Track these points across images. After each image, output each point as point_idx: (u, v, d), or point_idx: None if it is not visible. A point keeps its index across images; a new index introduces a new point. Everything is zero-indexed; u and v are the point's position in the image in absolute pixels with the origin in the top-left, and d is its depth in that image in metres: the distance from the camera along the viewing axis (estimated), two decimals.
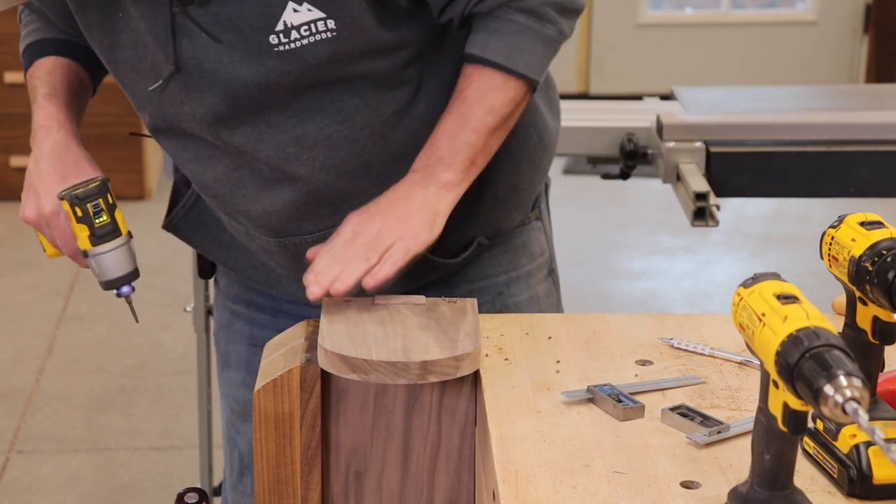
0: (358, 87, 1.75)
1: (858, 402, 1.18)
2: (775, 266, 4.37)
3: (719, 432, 1.50)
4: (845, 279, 1.47)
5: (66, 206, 1.80)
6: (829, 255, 1.49)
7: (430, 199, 1.72)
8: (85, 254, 1.82)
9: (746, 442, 1.36)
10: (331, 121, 1.76)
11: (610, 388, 1.58)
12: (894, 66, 6.00)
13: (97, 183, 1.81)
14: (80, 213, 1.80)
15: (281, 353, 1.68)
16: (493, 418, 1.54)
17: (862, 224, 1.46)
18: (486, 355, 1.67)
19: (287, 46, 1.69)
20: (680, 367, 1.68)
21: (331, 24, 1.68)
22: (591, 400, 1.58)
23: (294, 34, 1.68)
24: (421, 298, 1.73)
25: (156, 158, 5.34)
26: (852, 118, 2.85)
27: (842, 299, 1.54)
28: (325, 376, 1.63)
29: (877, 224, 1.46)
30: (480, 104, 1.73)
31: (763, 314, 1.28)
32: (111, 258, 1.83)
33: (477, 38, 1.74)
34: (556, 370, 1.66)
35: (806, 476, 1.42)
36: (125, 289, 1.85)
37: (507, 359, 1.68)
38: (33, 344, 4.19)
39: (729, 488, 1.36)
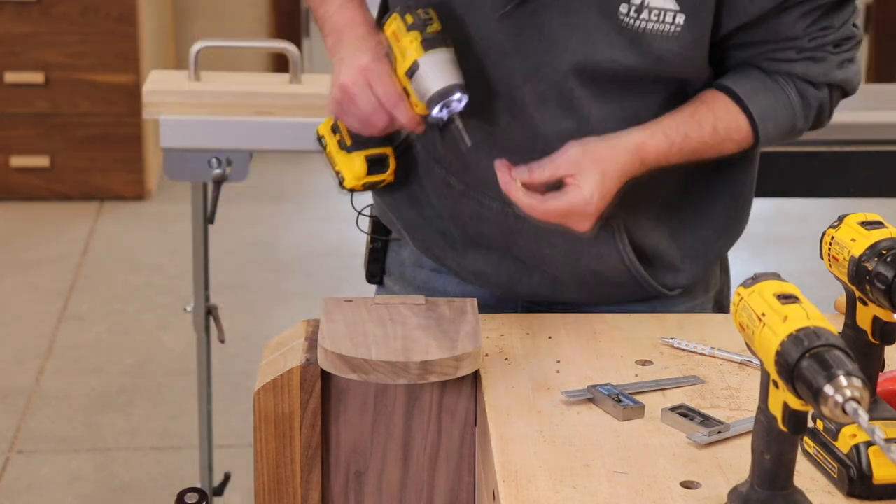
0: (634, 91, 1.73)
1: (858, 402, 1.18)
2: (775, 266, 4.36)
3: (719, 432, 1.50)
4: (845, 279, 1.47)
5: (394, 20, 1.70)
6: (829, 255, 1.49)
7: (620, 181, 1.71)
8: (415, 67, 1.68)
9: (746, 442, 1.36)
10: (609, 116, 1.74)
11: (610, 388, 1.58)
12: (894, 66, 5.99)
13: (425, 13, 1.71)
14: (410, 20, 1.69)
15: (281, 353, 1.68)
16: (493, 418, 1.54)
17: (862, 224, 1.46)
18: (486, 355, 1.67)
19: (631, 22, 1.66)
20: (680, 367, 1.68)
21: (680, 19, 1.66)
22: (591, 400, 1.58)
23: (644, 14, 1.66)
24: (421, 299, 1.73)
25: (156, 158, 5.33)
26: (852, 118, 2.85)
27: (844, 299, 1.54)
28: (325, 376, 1.63)
29: (877, 224, 1.46)
30: (714, 139, 1.74)
31: (763, 314, 1.28)
32: (444, 65, 1.68)
33: (749, 87, 1.74)
34: (556, 370, 1.66)
35: (806, 476, 1.42)
36: (457, 102, 1.68)
37: (507, 359, 1.68)
38: (33, 344, 4.19)
39: (729, 488, 1.36)
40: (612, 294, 1.88)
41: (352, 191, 1.86)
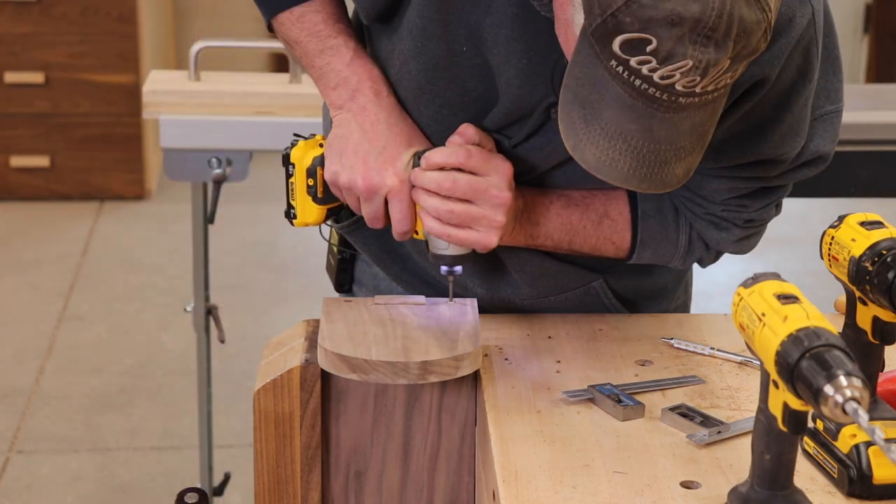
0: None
1: (858, 402, 1.18)
2: (775, 266, 4.36)
3: (719, 432, 1.50)
4: (845, 279, 1.47)
5: None
6: (829, 255, 1.49)
7: (508, 234, 1.69)
8: None
9: (746, 442, 1.36)
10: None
11: (610, 388, 1.58)
12: (894, 66, 5.99)
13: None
14: None
15: (281, 353, 1.68)
16: (493, 418, 1.54)
17: (862, 224, 1.46)
18: (486, 355, 1.67)
19: None
20: (680, 367, 1.68)
21: None
22: (591, 400, 1.58)
23: None
24: (421, 298, 1.73)
25: (156, 158, 5.33)
26: (852, 118, 2.85)
27: (844, 299, 1.54)
28: (325, 376, 1.63)
29: (877, 224, 1.46)
30: (595, 238, 1.73)
31: (763, 314, 1.28)
32: None
33: (651, 208, 1.73)
34: (556, 370, 1.65)
35: (806, 476, 1.42)
36: (458, 268, 1.70)
37: (507, 359, 1.68)
38: (33, 344, 4.19)
39: (729, 488, 1.36)
40: None
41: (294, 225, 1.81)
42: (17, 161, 5.20)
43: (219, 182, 2.85)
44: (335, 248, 1.95)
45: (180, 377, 3.98)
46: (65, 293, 4.50)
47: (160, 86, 2.90)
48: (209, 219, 2.93)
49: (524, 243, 1.73)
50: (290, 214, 1.78)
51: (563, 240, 1.73)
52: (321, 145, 1.74)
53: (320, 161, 1.73)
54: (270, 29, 1.79)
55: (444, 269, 1.70)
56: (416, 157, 1.67)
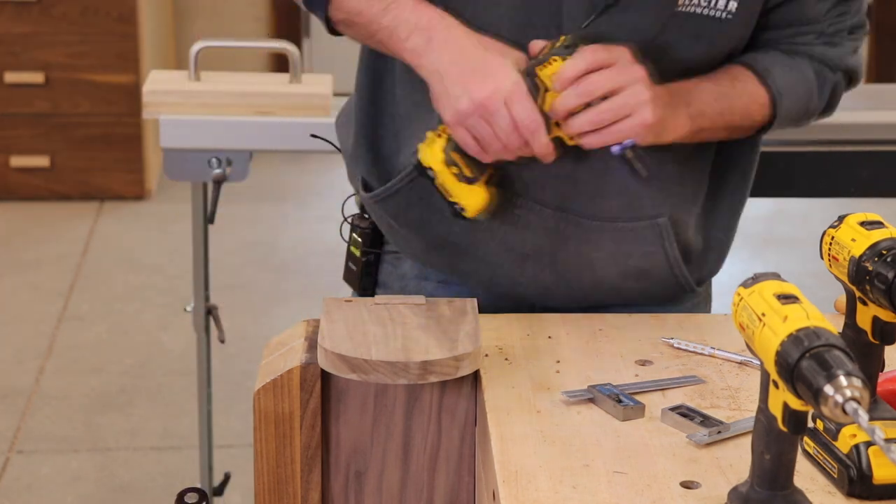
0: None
1: (858, 402, 1.18)
2: (775, 266, 4.36)
3: (719, 432, 1.50)
4: (845, 279, 1.47)
5: (556, 62, 1.66)
6: (829, 255, 1.49)
7: (670, 120, 1.70)
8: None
9: (746, 442, 1.36)
10: None
11: (610, 388, 1.58)
12: (894, 66, 5.99)
13: (570, 40, 1.68)
14: None
15: (281, 353, 1.68)
16: (493, 418, 1.54)
17: (862, 224, 1.46)
18: (486, 355, 1.67)
19: (687, 9, 1.70)
20: (680, 367, 1.68)
21: (732, 6, 1.71)
22: (591, 400, 1.58)
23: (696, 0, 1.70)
24: (421, 298, 1.73)
25: (156, 158, 5.33)
26: (852, 118, 2.85)
27: (844, 299, 1.54)
28: (325, 376, 1.63)
29: (877, 224, 1.46)
30: (741, 99, 1.77)
31: (763, 314, 1.28)
32: None
33: (768, 63, 1.79)
34: (556, 370, 1.66)
35: (806, 476, 1.42)
36: (630, 140, 1.67)
37: (507, 359, 1.68)
38: (33, 344, 4.19)
39: (729, 488, 1.36)
40: (645, 291, 1.88)
41: (471, 219, 1.75)
42: (17, 161, 5.20)
43: (219, 182, 2.85)
44: (357, 252, 1.94)
45: (180, 377, 3.98)
46: (65, 293, 4.50)
47: (160, 86, 2.90)
48: (209, 219, 2.93)
49: (689, 128, 1.73)
50: (458, 213, 1.74)
51: (716, 110, 1.75)
52: (438, 136, 1.71)
53: (451, 147, 1.70)
54: (328, 24, 1.77)
55: (615, 149, 1.66)
56: (529, 77, 1.66)
